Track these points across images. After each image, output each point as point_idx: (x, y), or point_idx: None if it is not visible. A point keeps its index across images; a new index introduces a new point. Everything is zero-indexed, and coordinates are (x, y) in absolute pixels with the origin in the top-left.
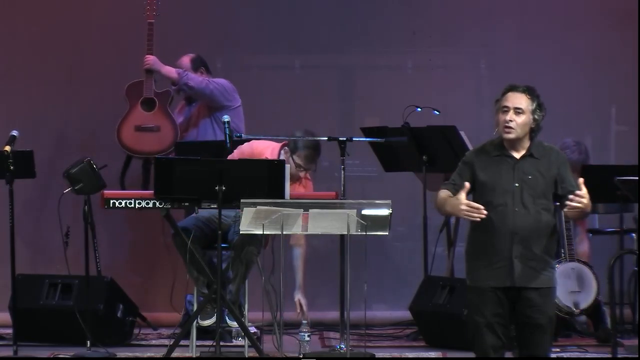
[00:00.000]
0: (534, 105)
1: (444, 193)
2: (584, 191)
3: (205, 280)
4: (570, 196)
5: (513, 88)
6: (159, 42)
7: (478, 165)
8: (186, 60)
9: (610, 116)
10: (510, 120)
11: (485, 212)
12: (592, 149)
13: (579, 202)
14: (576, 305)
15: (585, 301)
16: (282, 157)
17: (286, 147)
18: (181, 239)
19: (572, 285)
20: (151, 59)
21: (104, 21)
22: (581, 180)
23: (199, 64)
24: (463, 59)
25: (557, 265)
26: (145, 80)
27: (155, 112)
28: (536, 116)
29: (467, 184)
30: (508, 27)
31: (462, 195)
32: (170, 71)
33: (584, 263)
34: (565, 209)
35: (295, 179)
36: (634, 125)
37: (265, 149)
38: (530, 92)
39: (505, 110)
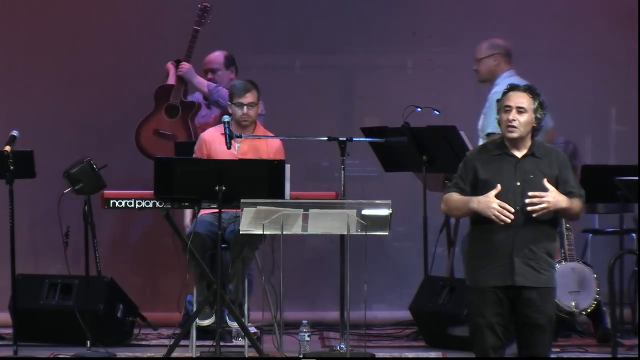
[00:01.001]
0: (536, 104)
1: (454, 195)
2: (548, 192)
3: (205, 282)
4: (527, 200)
5: (514, 87)
6: (158, 42)
7: (479, 164)
8: (220, 56)
9: (610, 116)
10: (513, 120)
11: (512, 216)
12: (592, 149)
13: (540, 202)
14: (576, 305)
15: (585, 301)
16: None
17: (228, 103)
18: (191, 242)
19: (572, 286)
20: (186, 67)
21: (104, 21)
22: (544, 180)
23: (230, 63)
24: (463, 59)
25: (557, 265)
26: (175, 87)
27: (176, 120)
28: (538, 115)
29: (499, 186)
30: (508, 27)
31: (493, 194)
32: (201, 83)
33: (584, 263)
34: (529, 208)
35: (244, 125)
36: (634, 125)
37: (211, 133)
38: (531, 91)
39: (508, 109)
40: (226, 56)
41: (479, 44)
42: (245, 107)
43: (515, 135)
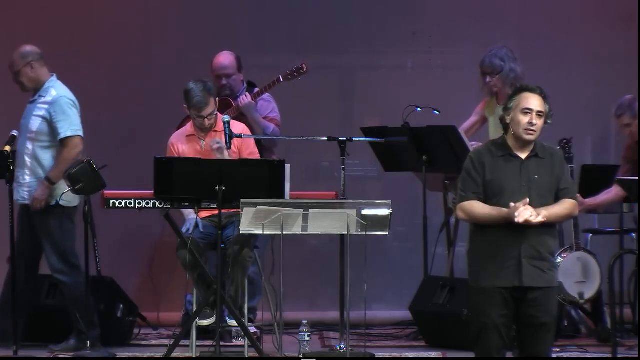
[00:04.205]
0: (548, 107)
1: (478, 204)
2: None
3: (205, 285)
4: (512, 206)
5: (528, 89)
6: (158, 42)
7: (487, 166)
8: (232, 60)
9: (610, 116)
10: (535, 123)
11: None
12: (592, 149)
13: (523, 217)
14: (581, 295)
15: (590, 291)
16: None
17: (185, 106)
18: (184, 248)
19: (578, 276)
20: (247, 101)
21: (104, 21)
22: (526, 200)
23: (241, 64)
24: (463, 59)
25: (563, 255)
26: (233, 110)
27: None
28: (549, 120)
29: (527, 200)
30: (508, 27)
31: (520, 206)
32: (257, 121)
33: (588, 252)
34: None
35: (205, 131)
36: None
37: (176, 136)
38: (544, 94)
39: (528, 112)
40: (237, 58)
41: (11, 58)
42: (205, 120)
43: (533, 138)
